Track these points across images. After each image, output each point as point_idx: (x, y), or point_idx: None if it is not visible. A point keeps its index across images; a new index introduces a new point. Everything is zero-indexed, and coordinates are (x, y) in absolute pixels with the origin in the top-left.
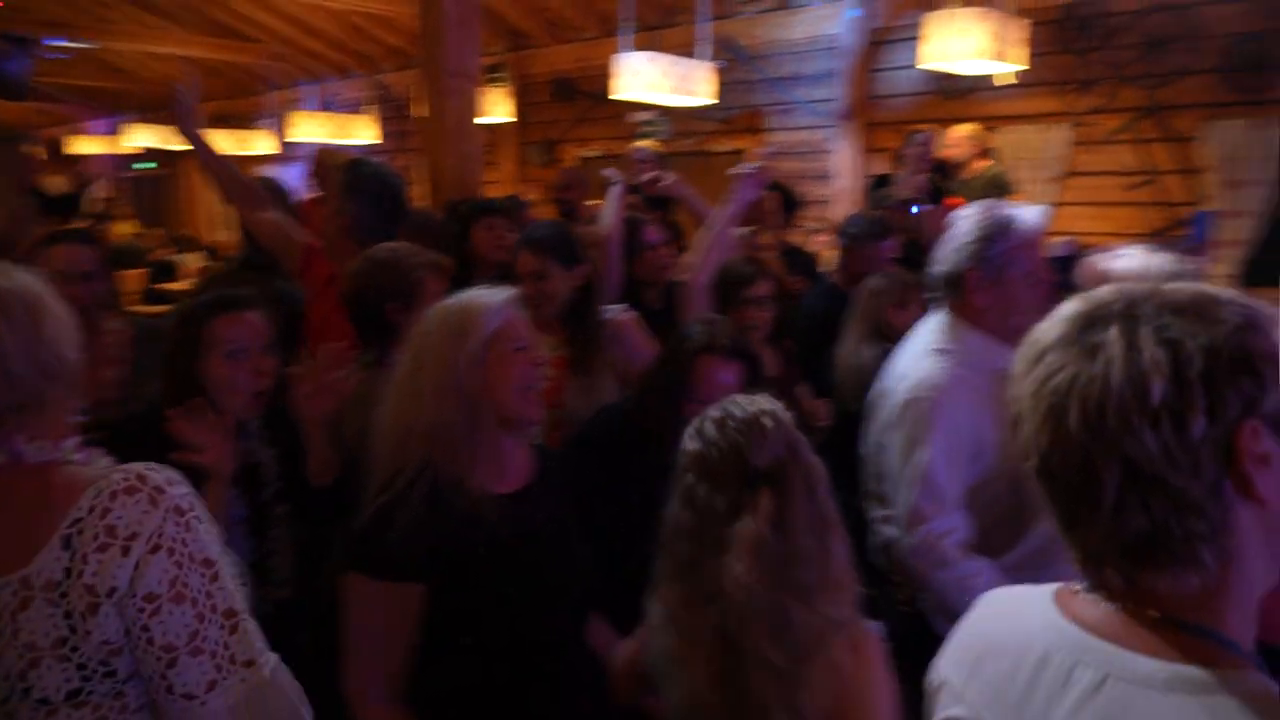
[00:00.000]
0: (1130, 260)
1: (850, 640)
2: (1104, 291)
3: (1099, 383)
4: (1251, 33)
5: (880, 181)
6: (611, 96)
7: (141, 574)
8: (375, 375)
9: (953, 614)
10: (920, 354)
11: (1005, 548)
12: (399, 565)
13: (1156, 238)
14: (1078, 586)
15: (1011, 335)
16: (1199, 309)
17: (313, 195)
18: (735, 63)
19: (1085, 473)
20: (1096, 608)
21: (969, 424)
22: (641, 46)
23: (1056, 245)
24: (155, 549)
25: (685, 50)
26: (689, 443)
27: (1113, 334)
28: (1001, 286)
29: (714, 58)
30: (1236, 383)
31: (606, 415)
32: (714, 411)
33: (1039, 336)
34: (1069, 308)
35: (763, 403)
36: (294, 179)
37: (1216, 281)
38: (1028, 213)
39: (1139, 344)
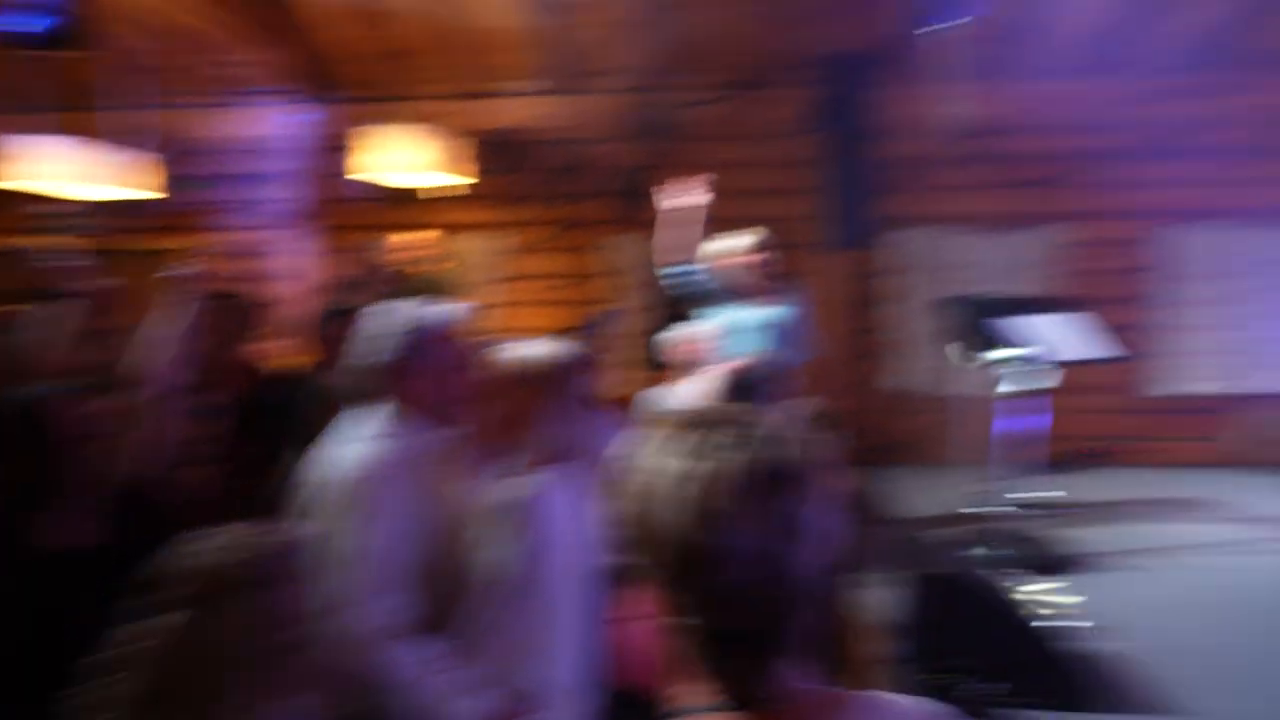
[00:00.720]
0: (526, 350)
1: None
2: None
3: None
4: (630, 168)
5: (349, 285)
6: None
7: None
8: None
9: (391, 698)
10: (361, 440)
11: (445, 628)
12: None
13: (577, 332)
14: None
15: (441, 419)
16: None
17: None
18: (181, 156)
19: (784, 591)
20: None
21: (410, 505)
22: (65, 129)
23: (501, 339)
24: None
25: (114, 138)
26: None
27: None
28: (425, 375)
29: (156, 149)
30: None
31: None
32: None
33: (710, 499)
34: (680, 441)
35: (256, 528)
36: None
37: (618, 367)
38: (444, 308)
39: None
